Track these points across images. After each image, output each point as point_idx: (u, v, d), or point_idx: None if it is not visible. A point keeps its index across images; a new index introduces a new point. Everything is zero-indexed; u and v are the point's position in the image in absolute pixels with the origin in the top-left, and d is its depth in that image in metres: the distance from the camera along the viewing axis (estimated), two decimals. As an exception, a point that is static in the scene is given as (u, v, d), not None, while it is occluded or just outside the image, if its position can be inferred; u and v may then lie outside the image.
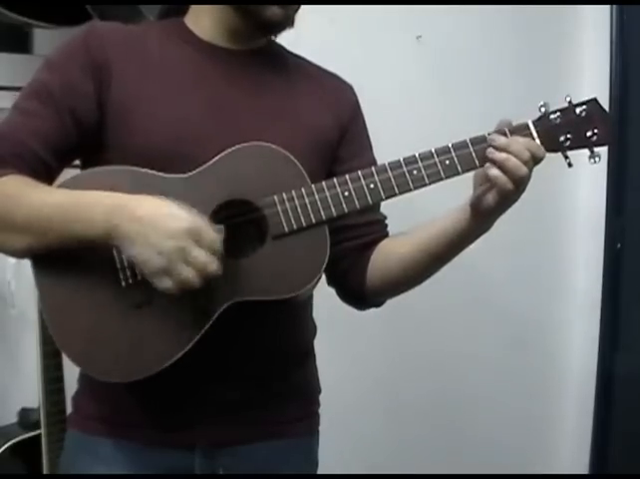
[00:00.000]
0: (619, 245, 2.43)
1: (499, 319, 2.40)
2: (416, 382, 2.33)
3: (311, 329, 1.49)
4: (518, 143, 1.24)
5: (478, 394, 2.37)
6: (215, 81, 1.34)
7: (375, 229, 1.45)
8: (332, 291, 1.50)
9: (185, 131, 1.29)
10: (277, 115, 1.36)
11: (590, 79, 2.36)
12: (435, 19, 2.30)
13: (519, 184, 1.24)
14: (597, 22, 2.39)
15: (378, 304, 1.49)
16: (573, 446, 2.45)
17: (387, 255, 1.41)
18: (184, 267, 1.14)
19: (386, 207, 1.43)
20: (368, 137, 1.50)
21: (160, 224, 1.15)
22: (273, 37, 1.43)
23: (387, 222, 1.49)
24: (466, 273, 2.30)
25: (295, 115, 1.38)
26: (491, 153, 1.25)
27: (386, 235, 1.47)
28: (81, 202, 1.21)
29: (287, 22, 1.36)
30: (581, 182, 2.46)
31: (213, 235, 1.17)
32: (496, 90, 2.11)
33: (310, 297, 1.43)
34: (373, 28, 2.26)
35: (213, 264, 1.16)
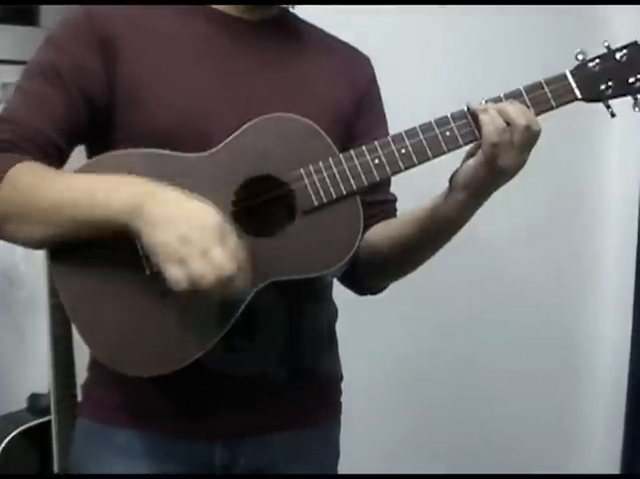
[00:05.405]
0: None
1: (526, 314, 2.37)
2: (440, 372, 2.32)
3: (332, 312, 1.46)
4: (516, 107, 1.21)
5: (503, 392, 2.36)
6: (228, 53, 1.31)
7: (380, 210, 1.41)
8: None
9: (196, 107, 1.26)
10: (292, 88, 1.34)
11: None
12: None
13: (505, 143, 1.20)
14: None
15: (374, 291, 1.47)
16: (604, 445, 2.43)
17: (375, 236, 1.38)
18: (201, 262, 1.10)
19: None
20: (383, 112, 1.47)
21: (189, 213, 1.12)
22: (291, 7, 1.40)
23: (395, 203, 1.46)
24: (490, 265, 2.30)
25: (310, 88, 1.35)
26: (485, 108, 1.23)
27: (392, 216, 1.44)
28: (102, 186, 1.18)
29: None
30: (612, 169, 2.41)
31: (238, 242, 1.13)
32: (525, 62, 2.08)
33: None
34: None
35: (233, 268, 1.11)
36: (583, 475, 2.39)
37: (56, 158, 1.25)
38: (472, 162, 1.23)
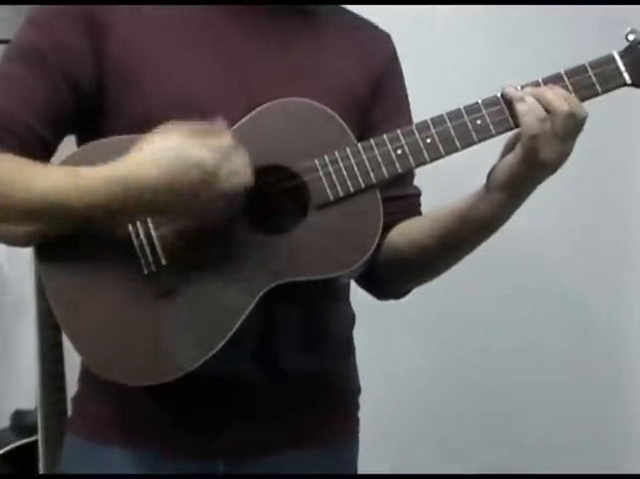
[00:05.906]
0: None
1: (564, 316, 2.26)
2: (468, 381, 2.24)
3: (350, 317, 1.40)
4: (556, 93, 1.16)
5: (542, 398, 2.26)
6: (230, 34, 1.27)
7: (402, 206, 1.37)
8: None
9: (196, 92, 1.23)
10: (301, 70, 1.29)
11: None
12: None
13: (545, 135, 1.14)
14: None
15: (396, 295, 1.42)
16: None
17: (398, 236, 1.35)
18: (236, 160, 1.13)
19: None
20: (405, 95, 1.41)
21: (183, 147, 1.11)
22: None
23: (420, 198, 1.41)
24: (525, 262, 2.21)
25: (321, 72, 1.31)
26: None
27: (416, 212, 1.40)
28: (84, 173, 1.12)
29: None
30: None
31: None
32: (566, 44, 2.00)
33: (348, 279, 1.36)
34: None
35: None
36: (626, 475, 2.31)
37: (40, 150, 1.20)
38: (511, 158, 1.18)
